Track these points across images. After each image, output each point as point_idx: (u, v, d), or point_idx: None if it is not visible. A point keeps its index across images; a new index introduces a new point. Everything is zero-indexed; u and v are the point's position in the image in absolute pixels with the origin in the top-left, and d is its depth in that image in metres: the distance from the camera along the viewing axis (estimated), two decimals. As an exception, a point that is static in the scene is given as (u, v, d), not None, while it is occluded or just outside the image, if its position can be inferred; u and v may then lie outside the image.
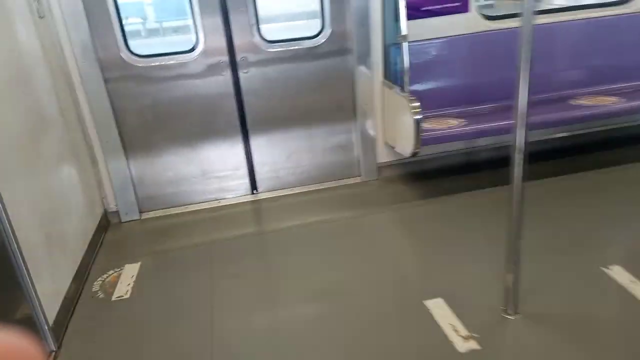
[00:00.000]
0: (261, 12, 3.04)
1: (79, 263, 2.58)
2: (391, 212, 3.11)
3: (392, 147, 3.40)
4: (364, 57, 3.24)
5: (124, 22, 2.88)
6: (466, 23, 3.32)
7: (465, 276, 2.33)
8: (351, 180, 3.55)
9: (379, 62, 3.27)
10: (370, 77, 3.29)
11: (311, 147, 3.45)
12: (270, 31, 3.12)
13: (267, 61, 3.14)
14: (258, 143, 3.37)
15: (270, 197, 3.45)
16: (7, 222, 1.83)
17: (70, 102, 2.87)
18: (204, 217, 3.27)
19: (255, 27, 3.05)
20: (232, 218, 3.23)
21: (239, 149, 3.36)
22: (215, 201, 3.42)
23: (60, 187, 2.57)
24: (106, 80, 2.96)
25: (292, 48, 3.16)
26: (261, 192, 3.48)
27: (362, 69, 3.26)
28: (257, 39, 3.07)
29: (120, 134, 3.11)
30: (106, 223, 3.21)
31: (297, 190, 3.49)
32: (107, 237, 3.09)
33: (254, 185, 3.47)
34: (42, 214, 2.25)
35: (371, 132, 3.44)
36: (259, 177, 3.46)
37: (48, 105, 2.56)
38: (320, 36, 3.18)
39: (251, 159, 3.40)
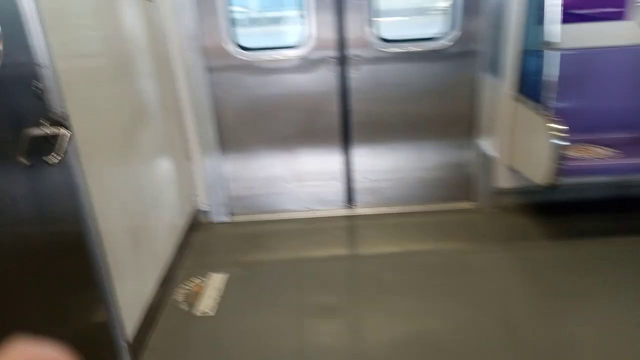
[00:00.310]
0: (381, 6, 2.70)
1: (165, 266, 2.43)
2: (509, 251, 2.62)
3: (517, 172, 2.90)
4: (494, 64, 2.77)
5: (231, 11, 2.69)
6: (626, 33, 2.72)
7: (612, 348, 1.81)
8: (463, 205, 3.09)
9: (511, 72, 2.78)
10: (499, 88, 2.81)
11: (419, 161, 3.05)
12: (387, 28, 2.76)
13: (380, 62, 2.79)
14: (360, 152, 3.03)
15: (368, 214, 3.10)
16: (92, 214, 1.67)
17: (171, 93, 2.74)
18: (295, 228, 3.01)
19: (372, 23, 2.71)
20: (325, 234, 2.93)
21: (338, 156, 3.05)
22: (309, 211, 3.15)
23: (153, 182, 2.44)
24: (209, 73, 2.80)
25: (410, 49, 2.77)
26: (358, 207, 3.15)
27: (490, 77, 2.79)
28: (372, 36, 2.73)
29: (217, 129, 2.94)
30: (196, 223, 3.07)
31: (398, 209, 3.11)
32: (196, 238, 2.94)
33: (350, 198, 3.15)
34: (131, 209, 2.11)
35: (492, 151, 2.95)
36: (357, 189, 3.13)
37: (149, 95, 2.43)
38: (446, 37, 2.76)
39: (350, 169, 3.08)
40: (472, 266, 2.51)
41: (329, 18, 2.70)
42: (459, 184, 3.09)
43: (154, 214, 2.42)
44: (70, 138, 1.49)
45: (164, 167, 2.64)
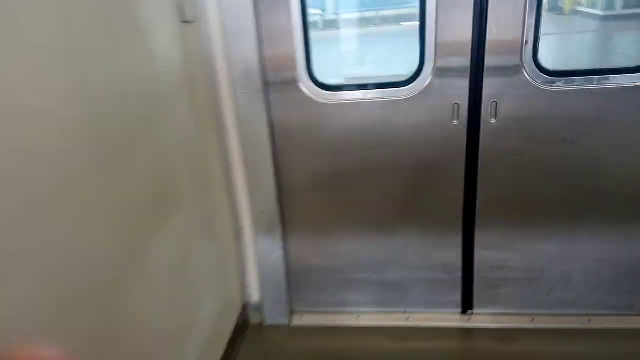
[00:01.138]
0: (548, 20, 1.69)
1: None
2: None
3: None
4: None
5: (310, 31, 1.77)
6: None
7: None
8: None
9: None
10: None
11: (583, 252, 1.99)
12: (553, 48, 1.75)
13: (536, 106, 1.78)
14: (487, 236, 2.02)
15: (493, 328, 2.08)
16: None
17: (216, 151, 1.87)
18: (380, 342, 2.04)
19: (529, 49, 1.70)
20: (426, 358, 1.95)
21: (453, 240, 2.06)
22: (402, 314, 2.18)
23: (182, 281, 1.56)
24: (272, 124, 1.90)
25: (587, 86, 1.74)
26: (478, 315, 2.13)
27: None
28: (528, 69, 1.73)
29: (279, 201, 2.04)
30: (244, 325, 2.18)
31: (542, 323, 2.06)
32: (241, 352, 2.04)
33: (468, 302, 2.14)
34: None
35: None
36: (478, 289, 2.12)
37: (184, 158, 1.56)
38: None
39: (471, 259, 2.08)
40: None
41: (459, 42, 1.72)
42: (645, 292, 2.01)
43: (180, 332, 1.53)
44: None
45: (201, 255, 1.76)
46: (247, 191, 2.00)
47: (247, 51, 1.72)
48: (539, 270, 2.04)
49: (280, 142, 1.96)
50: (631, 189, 1.84)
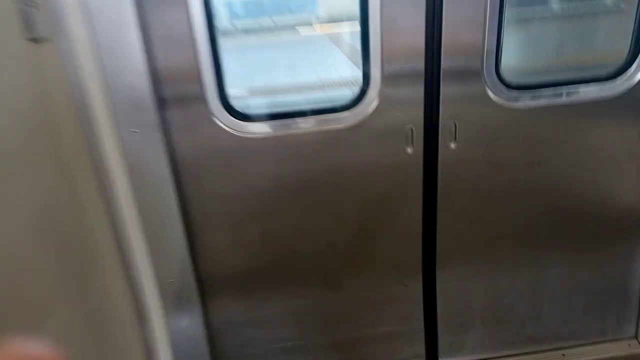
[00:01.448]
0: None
1: None
2: None
3: None
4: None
5: (220, 42, 1.32)
6: None
7: None
8: (622, 348, 1.84)
9: None
10: None
11: (553, 282, 1.78)
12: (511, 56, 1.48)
13: (499, 126, 1.51)
14: (450, 275, 1.73)
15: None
16: None
17: (99, 217, 1.34)
18: None
19: (491, 60, 1.42)
20: None
21: (412, 283, 1.74)
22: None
23: None
24: (176, 166, 1.42)
25: (554, 101, 1.50)
26: (446, 366, 1.84)
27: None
28: (490, 83, 1.44)
29: (194, 263, 1.56)
30: None
31: (514, 364, 1.83)
32: None
33: (432, 352, 1.83)
34: None
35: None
36: (443, 336, 1.82)
37: (47, 237, 1.04)
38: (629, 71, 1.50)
39: (433, 303, 1.77)
40: None
41: (412, 49, 1.38)
42: (616, 314, 1.85)
43: None
44: None
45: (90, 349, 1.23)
46: (149, 257, 1.49)
47: (133, 75, 1.22)
48: (507, 308, 1.79)
49: (189, 188, 1.48)
50: (600, 212, 1.65)
